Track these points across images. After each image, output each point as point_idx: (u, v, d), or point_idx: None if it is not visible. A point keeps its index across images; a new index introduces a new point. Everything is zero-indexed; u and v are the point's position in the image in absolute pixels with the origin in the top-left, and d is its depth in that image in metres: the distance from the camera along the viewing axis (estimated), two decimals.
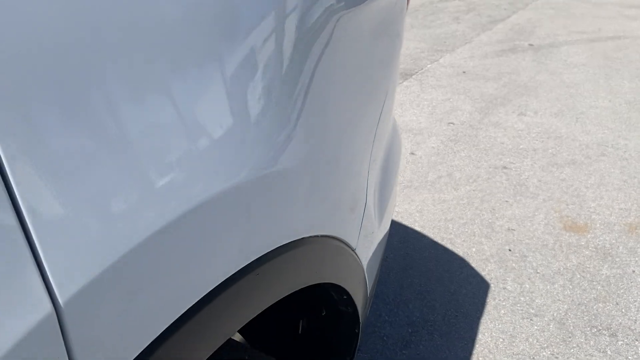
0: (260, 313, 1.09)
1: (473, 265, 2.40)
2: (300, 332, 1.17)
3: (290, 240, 0.74)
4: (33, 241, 0.44)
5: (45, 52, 0.45)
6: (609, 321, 2.08)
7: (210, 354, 0.64)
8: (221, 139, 0.61)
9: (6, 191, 0.43)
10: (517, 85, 4.42)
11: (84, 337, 0.47)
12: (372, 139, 1.05)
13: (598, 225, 2.65)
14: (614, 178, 3.04)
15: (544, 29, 6.02)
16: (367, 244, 1.06)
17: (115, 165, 0.50)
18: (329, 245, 0.86)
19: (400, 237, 2.57)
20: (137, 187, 0.52)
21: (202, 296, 0.59)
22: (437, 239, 2.57)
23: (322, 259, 0.86)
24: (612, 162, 3.21)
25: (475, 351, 1.97)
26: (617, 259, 2.40)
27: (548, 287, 2.26)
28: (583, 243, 2.52)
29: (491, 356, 1.95)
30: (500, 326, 2.07)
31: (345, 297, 1.00)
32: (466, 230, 2.62)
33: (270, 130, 0.68)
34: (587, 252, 2.46)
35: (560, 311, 2.13)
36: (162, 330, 0.55)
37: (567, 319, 2.10)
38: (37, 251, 0.44)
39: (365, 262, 1.06)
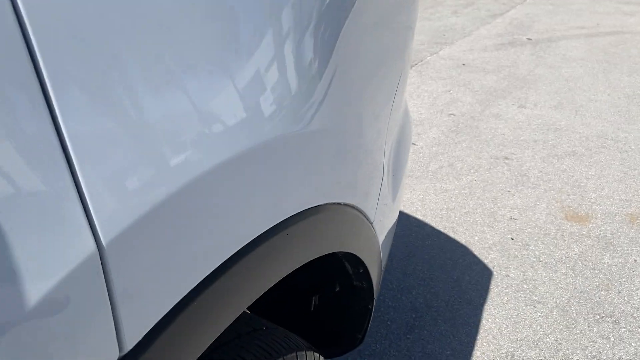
0: (273, 289, 1.09)
1: (475, 253, 2.40)
2: (312, 308, 1.16)
3: (317, 205, 0.73)
4: (79, 180, 0.43)
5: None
6: (612, 309, 2.09)
7: (245, 308, 0.63)
8: (256, 96, 0.60)
9: (55, 132, 0.42)
10: (516, 78, 4.42)
11: (125, 279, 0.47)
12: (389, 114, 1.04)
13: (599, 215, 2.65)
14: (614, 170, 3.05)
15: (543, 23, 6.03)
16: (382, 220, 1.06)
17: (161, 113, 0.49)
18: (350, 214, 0.85)
19: (403, 226, 2.57)
20: (179, 136, 0.51)
21: (238, 249, 0.58)
22: (440, 227, 2.57)
23: (344, 227, 0.85)
24: (612, 154, 3.22)
25: (479, 337, 1.98)
26: (619, 249, 2.41)
27: (550, 275, 2.26)
28: (585, 232, 2.53)
29: (495, 342, 1.95)
30: (503, 313, 2.08)
31: (361, 270, 0.99)
32: (468, 219, 2.62)
33: (300, 93, 0.67)
34: (588, 242, 2.47)
35: (563, 298, 2.14)
36: (199, 280, 0.55)
37: (570, 306, 2.10)
38: (83, 191, 0.43)
39: (380, 238, 1.05)
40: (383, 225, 1.07)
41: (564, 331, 1.99)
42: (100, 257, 0.44)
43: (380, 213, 1.02)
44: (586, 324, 2.02)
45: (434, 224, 2.58)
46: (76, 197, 0.42)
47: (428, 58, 4.92)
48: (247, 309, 1.00)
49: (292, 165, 0.66)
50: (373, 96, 0.93)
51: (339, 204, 0.80)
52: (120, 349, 0.48)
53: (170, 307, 0.52)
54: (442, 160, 3.14)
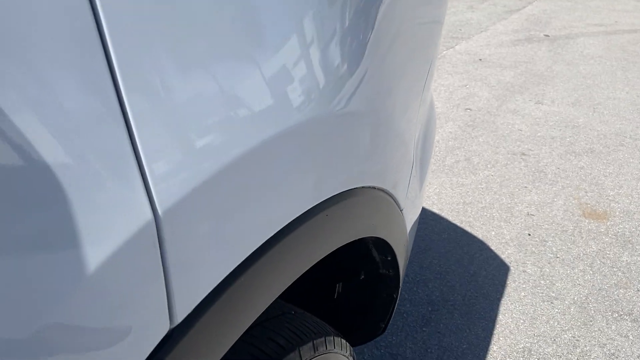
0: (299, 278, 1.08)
1: (492, 248, 2.38)
2: (336, 296, 1.16)
3: (354, 187, 0.73)
4: (137, 149, 0.42)
5: None
6: (630, 307, 2.07)
7: (287, 285, 0.63)
8: (301, 73, 0.59)
9: (119, 103, 0.42)
10: (533, 74, 4.38)
11: (178, 250, 0.46)
12: (419, 105, 1.03)
13: (617, 213, 2.63)
14: (633, 168, 3.01)
15: (560, 20, 5.97)
16: (410, 208, 1.05)
17: (214, 91, 0.49)
18: (383, 199, 0.84)
19: (419, 219, 2.55)
20: (229, 112, 0.51)
21: (282, 226, 0.58)
22: (456, 221, 2.55)
23: (377, 211, 0.84)
24: (630, 152, 3.19)
25: (496, 331, 1.96)
26: (638, 247, 2.38)
27: (568, 271, 2.24)
28: (603, 230, 2.50)
29: (512, 337, 1.94)
30: (520, 308, 2.06)
31: (389, 257, 0.98)
32: (485, 214, 2.60)
33: (340, 72, 0.66)
34: (606, 239, 2.45)
35: (581, 295, 2.12)
36: (247, 256, 0.54)
37: (588, 303, 2.08)
38: (141, 159, 0.42)
39: (408, 227, 1.04)
40: (410, 214, 1.07)
41: (582, 328, 1.97)
42: (156, 227, 0.43)
43: (409, 201, 1.01)
44: (604, 321, 2.00)
45: (450, 218, 2.57)
46: (135, 166, 0.42)
47: (444, 52, 4.89)
48: None
49: (333, 146, 0.66)
50: (405, 85, 0.92)
51: (374, 187, 0.80)
52: (170, 321, 0.48)
53: (219, 281, 0.52)
54: (459, 155, 3.12)
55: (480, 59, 4.72)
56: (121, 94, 0.42)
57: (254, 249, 0.55)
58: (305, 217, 0.62)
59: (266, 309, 0.89)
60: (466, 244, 2.40)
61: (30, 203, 0.36)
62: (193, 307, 0.50)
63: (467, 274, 2.23)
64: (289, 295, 1.13)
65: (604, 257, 2.32)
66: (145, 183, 0.43)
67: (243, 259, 0.54)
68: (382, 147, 0.83)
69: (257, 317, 0.85)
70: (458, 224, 2.53)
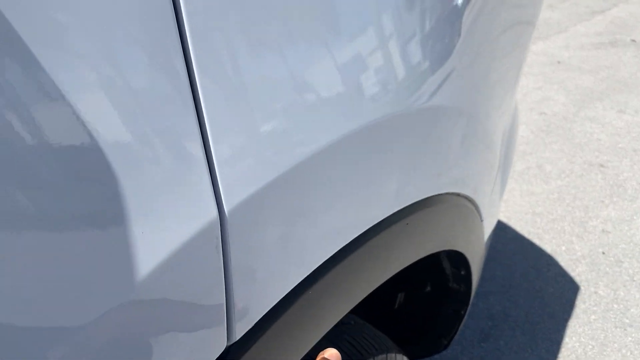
0: None
1: (562, 264, 2.22)
2: (397, 306, 1.07)
3: (437, 193, 0.64)
4: (208, 143, 0.36)
5: None
6: None
7: (361, 299, 0.55)
8: (380, 66, 0.51)
9: (190, 88, 0.35)
10: (616, 80, 4.10)
11: (243, 255, 0.39)
12: (508, 105, 0.92)
13: None
14: None
15: None
16: (490, 219, 0.94)
17: (287, 90, 0.42)
18: (466, 208, 0.75)
19: None
20: (301, 109, 0.43)
21: (358, 234, 0.50)
22: (524, 232, 2.40)
23: (459, 221, 0.75)
24: None
25: (560, 355, 1.82)
26: None
27: None
28: None
29: None
30: (589, 332, 1.91)
31: (462, 272, 0.89)
32: (556, 226, 2.43)
33: (423, 68, 0.57)
34: None
35: None
36: (316, 266, 0.47)
37: None
38: (211, 152, 0.36)
39: (485, 238, 0.94)
40: (489, 225, 0.96)
41: None
42: (220, 227, 0.36)
43: (489, 210, 0.91)
44: None
45: (517, 228, 2.41)
46: (203, 158, 0.35)
47: None
48: None
49: (417, 145, 0.57)
50: (495, 85, 0.82)
51: (458, 194, 0.70)
52: (228, 337, 0.41)
53: (284, 294, 0.44)
54: (530, 161, 2.94)
55: (558, 61, 4.46)
56: (194, 77, 0.37)
57: (325, 258, 0.48)
58: (383, 226, 0.54)
59: None
60: (533, 257, 2.25)
61: (90, 181, 0.30)
62: (254, 322, 0.43)
63: (532, 289, 2.08)
64: None
65: None
66: (213, 177, 0.36)
67: (312, 269, 0.47)
68: (468, 150, 0.73)
69: None
70: (526, 235, 2.38)
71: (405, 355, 0.88)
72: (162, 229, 0.33)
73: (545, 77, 4.13)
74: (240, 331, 0.42)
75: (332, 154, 0.45)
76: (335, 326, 0.80)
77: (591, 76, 4.16)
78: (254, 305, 0.43)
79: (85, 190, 0.31)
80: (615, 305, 2.02)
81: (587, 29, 5.40)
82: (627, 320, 1.96)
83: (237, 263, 0.39)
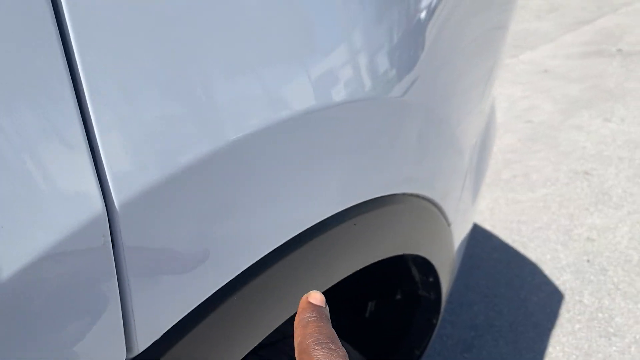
0: (325, 290, 0.95)
1: (546, 272, 2.19)
2: (367, 315, 1.03)
3: (393, 193, 0.60)
4: (92, 127, 0.32)
5: None
6: None
7: (292, 313, 0.51)
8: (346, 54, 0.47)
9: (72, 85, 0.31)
10: (602, 90, 4.10)
11: (140, 253, 0.35)
12: (478, 110, 0.90)
13: None
14: None
15: (635, 35, 5.61)
16: (460, 223, 0.91)
17: (190, 72, 0.38)
18: (428, 210, 0.71)
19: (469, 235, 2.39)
20: (224, 93, 0.39)
21: (292, 236, 0.46)
22: (509, 240, 2.37)
23: (420, 224, 0.72)
24: None
25: None
26: None
27: (630, 306, 2.03)
28: None
29: None
30: (574, 342, 1.87)
31: (431, 279, 0.85)
32: (541, 234, 2.41)
33: (394, 54, 0.54)
34: None
35: None
36: (242, 269, 0.43)
37: None
38: (95, 141, 0.32)
39: (456, 245, 0.91)
40: (460, 230, 0.93)
41: None
42: (109, 224, 0.32)
43: (459, 215, 0.88)
44: None
45: (502, 237, 2.38)
46: (83, 140, 0.31)
47: (507, 61, 4.67)
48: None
49: (370, 138, 0.53)
50: (462, 88, 0.79)
51: (417, 196, 0.67)
52: (128, 349, 0.37)
53: (201, 301, 0.40)
54: (516, 169, 2.92)
55: (545, 70, 4.47)
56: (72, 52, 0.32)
57: (253, 262, 0.44)
58: (325, 227, 0.50)
59: (284, 327, 0.77)
60: (518, 265, 2.22)
61: None
62: (160, 333, 0.38)
63: (516, 298, 2.05)
64: None
65: None
66: (98, 166, 0.32)
67: (236, 274, 0.43)
68: (432, 151, 0.70)
69: (274, 335, 0.74)
70: (510, 244, 2.35)
71: None
72: (29, 224, 0.29)
73: (532, 85, 4.13)
74: (143, 343, 0.38)
75: (257, 145, 0.42)
76: (292, 336, 0.76)
77: (578, 85, 4.17)
78: (160, 313, 0.39)
79: None
80: (600, 314, 1.99)
81: (574, 39, 5.42)
82: (612, 330, 1.93)
83: (133, 265, 0.35)
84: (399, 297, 0.97)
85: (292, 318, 0.83)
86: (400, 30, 0.57)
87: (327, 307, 0.41)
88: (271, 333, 0.75)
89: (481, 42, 0.81)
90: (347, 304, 1.04)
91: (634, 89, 4.12)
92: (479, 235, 2.38)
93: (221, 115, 0.39)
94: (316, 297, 0.41)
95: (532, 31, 5.63)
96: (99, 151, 0.32)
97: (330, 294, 1.07)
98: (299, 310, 0.41)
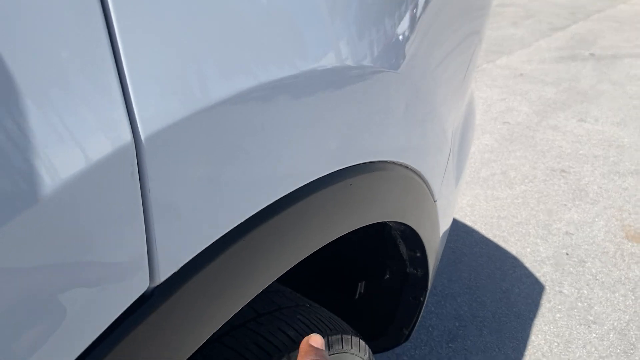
0: (316, 270, 0.99)
1: (527, 265, 2.25)
2: (357, 296, 1.07)
3: (384, 160, 0.64)
4: (122, 67, 0.35)
5: None
6: None
7: (300, 259, 0.54)
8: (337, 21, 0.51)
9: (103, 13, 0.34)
10: (577, 92, 4.22)
11: (164, 188, 0.38)
12: (460, 87, 0.94)
13: None
14: None
15: (607, 40, 5.78)
16: (445, 203, 0.95)
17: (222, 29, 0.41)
18: (415, 182, 0.75)
19: (450, 230, 2.44)
20: (239, 43, 0.43)
21: (296, 187, 0.49)
22: (489, 235, 2.43)
23: (408, 194, 0.75)
24: None
25: (527, 352, 1.83)
26: None
27: (608, 295, 2.10)
28: None
29: (544, 359, 1.80)
30: (555, 330, 1.93)
31: (418, 254, 0.89)
32: (520, 229, 2.47)
33: (383, 28, 0.58)
34: None
35: (622, 321, 1.97)
36: (251, 214, 0.46)
37: (629, 330, 1.93)
38: (125, 78, 0.35)
39: (441, 224, 0.95)
40: (444, 210, 0.97)
41: (622, 356, 1.83)
42: (136, 155, 0.35)
43: (443, 194, 0.92)
44: None
45: (483, 232, 2.44)
46: (113, 69, 0.34)
47: (484, 66, 4.77)
48: (288, 288, 0.91)
49: (364, 103, 0.57)
50: (445, 65, 0.84)
51: (406, 167, 0.71)
52: (151, 278, 0.40)
53: (214, 240, 0.43)
54: (495, 168, 2.99)
55: (521, 74, 4.58)
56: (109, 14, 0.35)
57: (261, 207, 0.47)
58: (324, 182, 0.54)
59: (279, 299, 0.80)
60: (499, 259, 2.27)
61: None
62: (179, 266, 0.41)
63: (498, 290, 2.10)
64: (305, 292, 1.05)
65: None
66: (127, 102, 0.35)
67: (246, 217, 0.46)
68: (418, 124, 0.74)
69: (269, 306, 0.77)
70: (491, 238, 2.41)
71: (362, 339, 0.87)
72: (67, 148, 0.32)
73: (509, 89, 4.23)
74: (164, 273, 0.41)
75: (272, 94, 0.45)
76: (290, 307, 0.80)
77: (553, 87, 4.28)
78: (179, 246, 0.41)
79: None
80: (580, 304, 2.05)
81: (549, 44, 5.56)
82: (591, 318, 1.98)
83: (157, 195, 0.37)
84: (387, 276, 1.00)
85: (284, 290, 0.86)
86: (398, 16, 0.61)
87: (327, 351, 0.44)
88: (286, 300, 0.78)
89: (464, 29, 0.86)
90: (337, 285, 1.07)
91: (606, 91, 4.25)
92: (460, 231, 2.44)
93: (240, 64, 0.42)
94: (317, 341, 0.44)
95: (508, 37, 5.76)
96: (128, 88, 0.35)
97: (320, 276, 1.10)
98: (301, 352, 0.43)
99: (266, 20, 0.46)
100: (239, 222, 0.45)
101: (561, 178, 2.91)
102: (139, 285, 0.39)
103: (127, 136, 0.34)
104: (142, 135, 0.35)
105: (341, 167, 0.56)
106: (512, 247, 2.35)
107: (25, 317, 0.32)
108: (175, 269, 0.41)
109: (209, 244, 0.43)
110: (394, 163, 0.67)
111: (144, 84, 0.36)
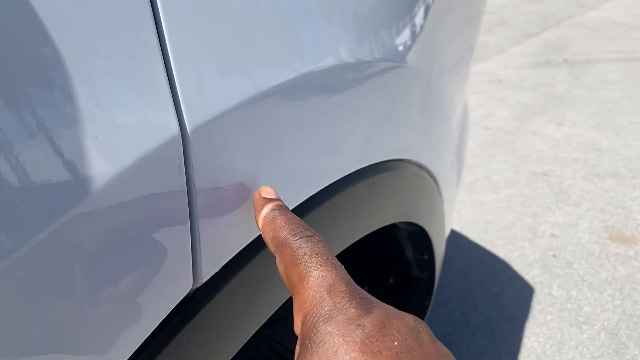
0: None
1: (516, 268, 2.26)
2: None
3: (401, 158, 0.62)
4: (169, 60, 0.33)
5: None
6: None
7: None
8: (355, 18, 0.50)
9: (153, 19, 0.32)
10: (553, 96, 4.29)
11: (207, 179, 0.36)
12: (463, 82, 0.93)
13: None
14: None
15: (578, 46, 5.90)
16: (448, 205, 0.94)
17: (260, 24, 0.40)
18: (427, 181, 0.74)
19: None
20: (277, 39, 0.41)
21: (327, 184, 0.47)
22: (477, 240, 2.43)
23: (421, 193, 0.74)
24: None
25: (521, 355, 1.83)
26: None
27: (596, 295, 2.11)
28: (631, 254, 2.37)
29: None
30: (547, 332, 1.93)
31: (426, 257, 0.87)
32: (507, 233, 2.48)
33: (394, 23, 0.57)
34: (636, 264, 2.31)
35: (611, 321, 1.99)
36: (292, 208, 0.44)
37: (619, 330, 1.95)
38: (172, 71, 0.33)
39: (447, 226, 0.93)
40: (449, 211, 0.96)
41: (614, 356, 1.84)
42: (183, 147, 0.33)
43: (448, 196, 0.90)
44: (637, 349, 1.86)
45: (471, 236, 2.44)
46: (164, 78, 0.32)
47: None
48: None
49: (383, 99, 0.55)
50: (455, 61, 0.83)
51: (420, 165, 0.69)
52: (194, 279, 0.37)
53: (252, 238, 0.41)
54: (478, 173, 3.01)
55: (498, 80, 4.64)
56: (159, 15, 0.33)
57: (297, 204, 0.45)
58: (351, 180, 0.52)
59: (288, 303, 0.78)
60: (488, 263, 2.28)
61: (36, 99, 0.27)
62: (221, 265, 0.39)
63: (489, 294, 2.10)
64: None
65: (633, 282, 2.19)
66: (174, 93, 0.33)
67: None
68: (432, 121, 0.72)
69: (280, 313, 0.74)
70: (479, 243, 2.41)
71: None
72: (117, 137, 0.29)
73: (487, 94, 4.27)
74: (207, 273, 0.38)
75: (302, 91, 0.43)
76: (283, 319, 0.77)
77: (530, 93, 4.34)
78: (221, 244, 0.39)
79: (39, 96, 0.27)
80: (569, 305, 2.06)
81: (523, 51, 5.66)
82: (582, 319, 2.00)
83: (202, 190, 0.35)
84: (391, 281, 0.98)
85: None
86: (410, 9, 0.60)
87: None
88: (279, 311, 0.75)
89: (466, 25, 0.85)
90: None
91: (581, 95, 4.32)
92: (448, 236, 2.44)
93: (278, 58, 0.40)
94: (269, 191, 0.40)
95: (483, 44, 5.84)
96: (175, 82, 0.33)
97: None
98: (256, 207, 0.39)
99: (304, 15, 0.45)
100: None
101: (544, 181, 2.94)
102: (183, 287, 0.36)
103: (175, 129, 0.32)
104: (189, 128, 0.33)
105: (365, 165, 0.54)
106: (500, 250, 2.36)
107: (63, 323, 0.29)
108: (216, 268, 0.38)
109: (248, 242, 0.41)
110: (409, 162, 0.66)
111: (190, 76, 0.34)
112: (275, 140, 0.41)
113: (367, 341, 0.28)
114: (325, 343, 0.28)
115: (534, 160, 3.18)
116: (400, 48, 0.57)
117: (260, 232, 0.37)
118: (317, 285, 0.31)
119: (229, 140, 0.37)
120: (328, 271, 0.32)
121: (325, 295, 0.31)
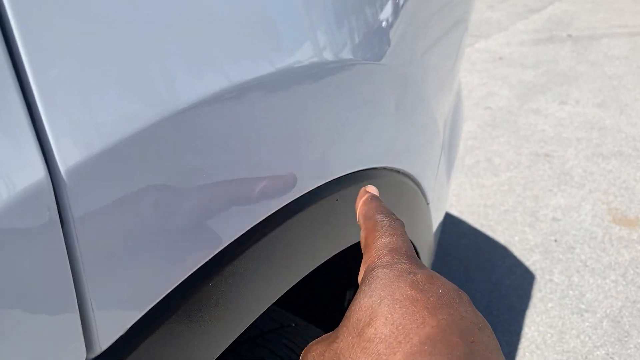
0: (303, 282, 0.91)
1: (516, 254, 2.20)
2: (346, 304, 0.99)
3: (372, 167, 0.56)
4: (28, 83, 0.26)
5: None
6: None
7: (279, 296, 0.46)
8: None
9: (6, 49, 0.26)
10: (556, 74, 4.19)
11: (95, 231, 0.29)
12: (449, 76, 0.87)
13: None
14: None
15: (582, 21, 5.77)
16: (437, 204, 0.88)
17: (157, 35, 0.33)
18: (407, 187, 0.68)
19: None
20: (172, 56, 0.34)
21: (270, 213, 0.41)
22: (477, 225, 2.38)
23: (400, 201, 0.68)
24: None
25: (521, 346, 1.79)
26: None
27: (599, 281, 2.06)
28: (635, 238, 2.31)
29: (539, 352, 1.76)
30: (547, 320, 1.88)
31: None
32: (508, 217, 2.42)
33: (373, 19, 0.50)
34: (639, 247, 2.26)
35: (614, 308, 1.94)
36: (216, 252, 0.37)
37: (622, 317, 1.90)
38: (34, 98, 0.26)
39: (434, 226, 0.88)
40: (436, 211, 0.90)
41: (616, 344, 1.79)
42: (54, 194, 0.27)
43: (436, 191, 0.84)
44: None
45: (470, 221, 2.39)
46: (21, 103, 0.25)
47: None
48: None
49: (349, 103, 0.49)
50: (438, 53, 0.76)
51: (397, 171, 0.63)
52: (88, 348, 0.31)
53: (170, 289, 0.35)
54: (479, 155, 2.94)
55: (500, 58, 4.54)
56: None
57: (226, 244, 0.38)
58: (305, 203, 0.45)
59: (260, 321, 0.72)
60: (488, 249, 2.22)
61: None
62: (126, 328, 0.33)
63: (489, 282, 2.05)
64: (286, 301, 0.97)
65: (637, 267, 2.13)
66: (36, 124, 0.26)
67: (212, 255, 0.37)
68: (410, 121, 0.66)
69: (249, 331, 0.69)
70: (479, 228, 2.35)
71: None
72: None
73: (488, 73, 4.18)
74: (105, 340, 0.32)
75: (227, 106, 0.36)
76: (273, 330, 0.72)
77: (532, 70, 4.24)
78: (124, 303, 0.33)
79: None
80: (571, 292, 2.01)
81: (526, 27, 5.53)
82: (583, 306, 1.95)
83: (89, 244, 0.29)
84: None
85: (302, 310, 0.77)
86: (380, 3, 0.53)
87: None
88: (269, 322, 0.70)
89: (451, 13, 0.78)
90: (326, 293, 1.00)
91: (585, 72, 4.22)
92: (447, 222, 2.38)
93: (211, 64, 0.34)
94: (372, 188, 0.46)
95: (485, 20, 5.71)
96: (36, 105, 0.26)
97: (308, 284, 1.03)
98: (360, 195, 0.45)
99: (236, 15, 0.38)
100: (202, 263, 0.37)
101: (546, 163, 2.87)
102: (73, 358, 0.30)
103: (40, 170, 0.25)
104: (62, 170, 0.26)
105: (325, 182, 0.48)
106: (500, 236, 2.30)
107: None
108: (119, 333, 0.32)
109: (163, 296, 0.34)
110: (384, 169, 0.59)
111: (60, 96, 0.27)
112: (195, 165, 0.34)
113: (416, 283, 0.33)
114: (381, 279, 0.34)
115: (536, 141, 3.11)
116: (370, 43, 0.51)
117: (357, 212, 0.44)
118: (383, 245, 0.38)
119: (124, 176, 0.30)
120: (396, 239, 0.39)
121: (388, 252, 0.37)
